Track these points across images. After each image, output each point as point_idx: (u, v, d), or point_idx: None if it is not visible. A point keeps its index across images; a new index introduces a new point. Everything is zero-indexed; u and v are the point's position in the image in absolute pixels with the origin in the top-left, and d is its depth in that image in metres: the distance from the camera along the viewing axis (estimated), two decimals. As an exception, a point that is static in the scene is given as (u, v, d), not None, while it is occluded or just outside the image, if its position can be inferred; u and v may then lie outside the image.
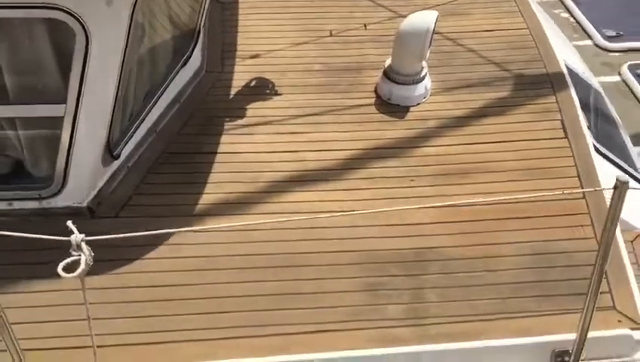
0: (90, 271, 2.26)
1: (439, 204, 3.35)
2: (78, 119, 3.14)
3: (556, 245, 3.47)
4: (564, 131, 4.08)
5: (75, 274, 2.22)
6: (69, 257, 2.21)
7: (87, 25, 2.86)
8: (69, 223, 2.22)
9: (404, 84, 4.26)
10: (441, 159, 3.95)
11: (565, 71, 4.52)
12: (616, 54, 5.77)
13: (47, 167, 3.38)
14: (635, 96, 5.29)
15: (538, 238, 3.50)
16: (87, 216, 3.46)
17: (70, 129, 3.17)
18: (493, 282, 3.32)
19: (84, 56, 2.95)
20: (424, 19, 4.07)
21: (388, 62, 4.34)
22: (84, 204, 3.47)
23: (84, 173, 3.39)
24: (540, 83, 4.44)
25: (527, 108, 4.27)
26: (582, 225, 3.55)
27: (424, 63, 4.31)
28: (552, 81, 4.44)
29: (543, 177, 3.82)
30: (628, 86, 5.40)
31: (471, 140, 4.08)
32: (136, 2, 2.97)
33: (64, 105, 3.10)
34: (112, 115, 3.29)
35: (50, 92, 3.16)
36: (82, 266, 2.23)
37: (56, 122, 3.18)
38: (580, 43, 5.89)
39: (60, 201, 3.42)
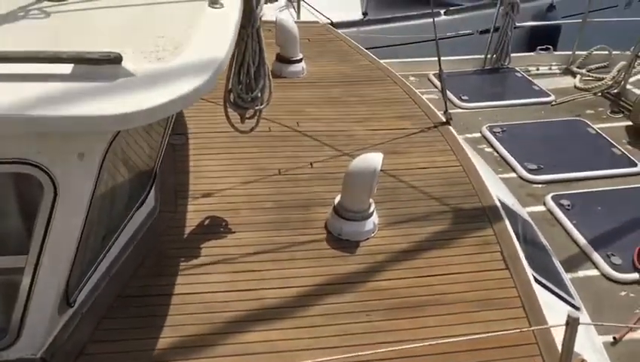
0: None
1: (397, 348, 3.44)
2: (39, 270, 3.10)
3: None
4: (505, 262, 4.36)
5: None
6: None
7: (58, 180, 2.90)
8: None
9: (353, 220, 4.47)
10: (393, 293, 4.09)
11: (499, 204, 4.88)
12: (539, 186, 6.28)
13: (1, 319, 3.26)
14: (560, 224, 5.72)
15: None
16: None
17: (30, 279, 3.11)
18: None
19: (51, 209, 2.97)
20: (372, 160, 4.37)
21: (337, 199, 4.56)
22: (38, 356, 3.33)
23: (41, 324, 3.29)
24: (477, 216, 4.76)
25: (468, 240, 4.55)
26: (532, 356, 3.72)
27: (371, 200, 4.56)
28: (487, 215, 4.77)
29: (490, 308, 4.01)
30: (553, 215, 5.85)
31: (420, 273, 4.26)
32: (106, 154, 3.05)
33: (26, 256, 3.06)
34: (73, 264, 3.27)
35: (11, 243, 3.13)
36: None
37: (14, 272, 3.12)
38: (505, 176, 6.40)
39: (12, 354, 3.27)
